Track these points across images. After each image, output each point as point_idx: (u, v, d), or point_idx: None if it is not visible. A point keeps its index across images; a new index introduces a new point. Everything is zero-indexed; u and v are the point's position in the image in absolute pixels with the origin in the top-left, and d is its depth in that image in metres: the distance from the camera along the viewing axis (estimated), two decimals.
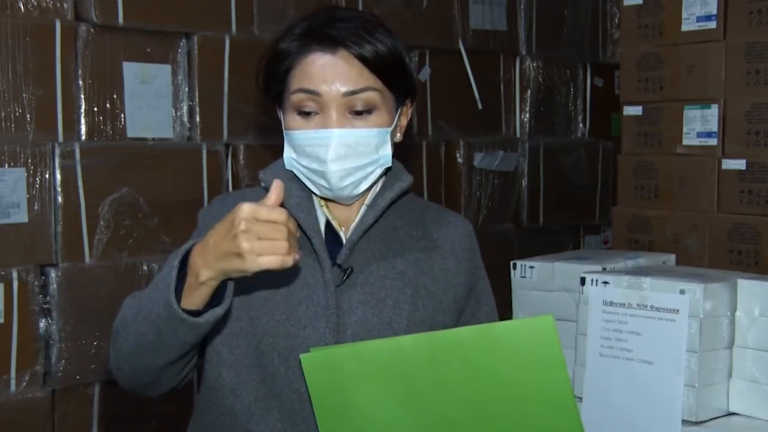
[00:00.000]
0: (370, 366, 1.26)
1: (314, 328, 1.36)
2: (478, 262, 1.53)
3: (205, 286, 1.22)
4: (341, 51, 1.36)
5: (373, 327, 1.37)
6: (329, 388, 1.29)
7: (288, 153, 1.42)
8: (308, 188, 1.44)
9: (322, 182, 1.39)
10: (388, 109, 1.40)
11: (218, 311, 1.24)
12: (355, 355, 1.27)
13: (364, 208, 1.45)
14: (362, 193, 1.42)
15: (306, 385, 1.30)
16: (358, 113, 1.36)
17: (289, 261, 1.18)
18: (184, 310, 1.23)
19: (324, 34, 1.36)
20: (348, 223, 1.45)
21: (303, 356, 1.29)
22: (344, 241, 1.43)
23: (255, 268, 1.18)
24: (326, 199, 1.45)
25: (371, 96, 1.37)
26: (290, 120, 1.39)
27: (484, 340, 1.23)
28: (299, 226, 1.40)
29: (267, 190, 1.41)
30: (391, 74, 1.39)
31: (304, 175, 1.41)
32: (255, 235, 1.16)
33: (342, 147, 1.35)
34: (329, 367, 1.28)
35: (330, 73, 1.35)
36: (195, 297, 1.23)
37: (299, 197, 1.43)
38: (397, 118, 1.44)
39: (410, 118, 1.51)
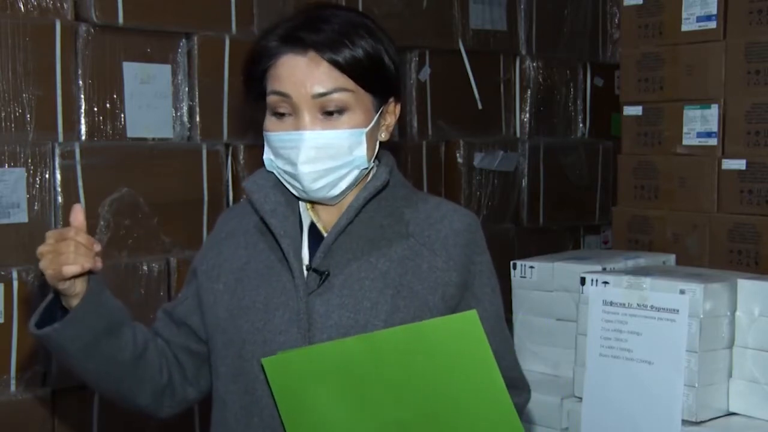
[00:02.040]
0: (322, 368, 1.29)
1: (288, 334, 1.36)
2: (477, 257, 1.46)
3: (68, 305, 1.35)
4: (311, 53, 1.36)
5: (348, 330, 1.35)
6: (291, 391, 1.32)
7: (267, 155, 1.43)
8: (289, 192, 1.45)
9: (296, 184, 1.40)
10: (364, 108, 1.39)
11: (56, 326, 1.34)
12: (309, 357, 1.30)
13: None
14: (341, 193, 1.41)
15: (270, 386, 1.33)
16: (330, 114, 1.36)
17: (70, 269, 1.28)
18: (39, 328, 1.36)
19: (295, 37, 1.36)
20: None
21: (264, 360, 1.32)
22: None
23: (52, 282, 1.32)
24: (312, 202, 1.45)
25: (342, 97, 1.36)
26: (267, 121, 1.40)
27: (415, 338, 1.26)
28: (271, 232, 1.42)
29: (250, 201, 1.47)
30: (366, 76, 1.38)
31: (281, 176, 1.42)
32: (50, 254, 1.31)
33: (312, 149, 1.36)
34: (290, 371, 1.31)
35: (299, 75, 1.35)
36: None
37: (276, 203, 1.43)
38: (377, 117, 1.42)
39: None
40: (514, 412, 1.28)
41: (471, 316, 1.23)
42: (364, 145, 1.40)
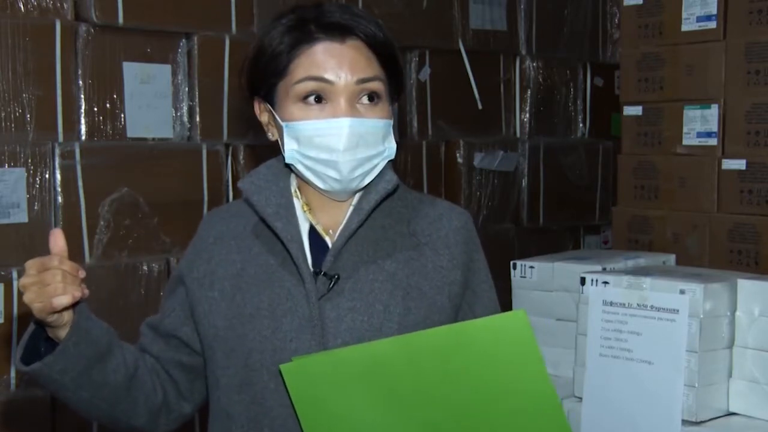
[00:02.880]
0: (349, 372, 1.25)
1: (300, 341, 1.33)
2: (475, 254, 1.46)
3: (54, 336, 1.31)
4: (350, 40, 1.35)
5: (363, 334, 1.33)
6: (312, 397, 1.27)
7: (290, 146, 1.37)
8: (287, 194, 1.42)
9: (331, 173, 1.35)
10: (388, 101, 1.40)
11: (47, 360, 1.30)
12: (334, 362, 1.25)
13: (350, 210, 1.41)
14: (366, 186, 1.40)
15: (289, 394, 1.28)
16: (370, 98, 1.35)
17: (61, 301, 1.23)
18: (26, 364, 1.32)
19: (329, 23, 1.35)
20: (336, 226, 1.41)
21: (283, 366, 1.27)
22: (330, 246, 1.39)
23: (40, 315, 1.26)
24: (318, 190, 1.41)
25: (378, 86, 1.36)
26: (293, 111, 1.36)
27: (458, 339, 1.22)
28: (277, 235, 1.38)
29: (247, 200, 1.42)
30: (393, 64, 1.39)
31: (308, 168, 1.37)
32: (35, 286, 1.24)
33: (354, 136, 1.33)
34: (310, 376, 1.26)
35: (340, 61, 1.34)
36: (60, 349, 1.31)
37: (278, 205, 1.40)
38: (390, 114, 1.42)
39: (402, 116, 1.50)
40: (563, 414, 1.25)
41: (519, 315, 1.19)
42: (392, 137, 1.40)
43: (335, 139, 1.33)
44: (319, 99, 1.35)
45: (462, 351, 1.21)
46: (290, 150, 1.38)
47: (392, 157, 1.40)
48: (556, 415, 1.24)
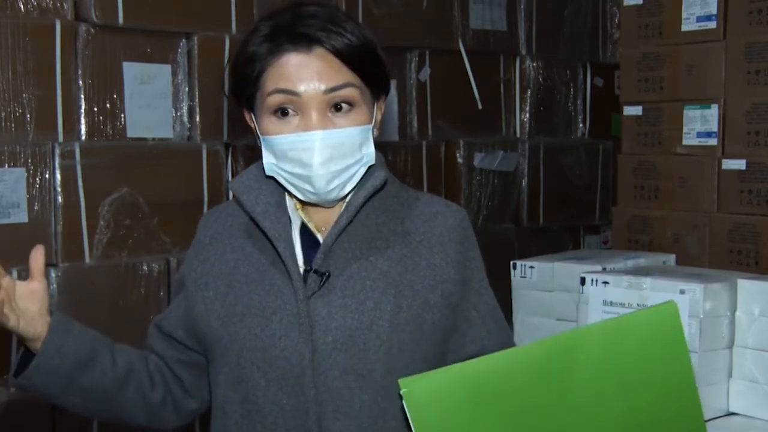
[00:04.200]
0: (477, 388, 1.15)
1: (289, 339, 1.33)
2: (471, 252, 1.45)
3: (34, 349, 1.36)
4: (316, 49, 1.31)
5: (353, 332, 1.32)
6: (436, 419, 1.15)
7: (267, 159, 1.37)
8: (278, 193, 1.41)
9: (307, 187, 1.35)
10: (368, 104, 1.37)
11: (25, 374, 1.34)
12: (459, 377, 1.16)
13: (342, 208, 1.40)
14: (347, 194, 1.39)
15: (408, 417, 1.15)
16: (339, 109, 1.33)
17: None
18: (16, 376, 1.37)
19: (296, 33, 1.32)
20: (328, 224, 1.39)
21: (404, 391, 1.13)
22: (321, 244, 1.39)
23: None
24: (302, 203, 1.41)
25: (351, 92, 1.33)
26: (267, 124, 1.35)
27: (604, 337, 1.16)
28: (265, 234, 1.38)
29: (238, 202, 1.42)
30: (367, 67, 1.35)
31: (286, 180, 1.37)
32: None
33: (327, 149, 1.31)
34: (433, 397, 1.15)
35: (307, 72, 1.31)
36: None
37: (267, 204, 1.39)
38: (375, 113, 1.40)
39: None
40: (702, 415, 1.21)
41: (671, 307, 1.13)
42: (371, 141, 1.38)
43: (307, 153, 1.31)
44: (289, 112, 1.33)
45: (607, 349, 1.15)
46: (268, 163, 1.37)
47: (372, 162, 1.38)
48: (696, 417, 1.20)
